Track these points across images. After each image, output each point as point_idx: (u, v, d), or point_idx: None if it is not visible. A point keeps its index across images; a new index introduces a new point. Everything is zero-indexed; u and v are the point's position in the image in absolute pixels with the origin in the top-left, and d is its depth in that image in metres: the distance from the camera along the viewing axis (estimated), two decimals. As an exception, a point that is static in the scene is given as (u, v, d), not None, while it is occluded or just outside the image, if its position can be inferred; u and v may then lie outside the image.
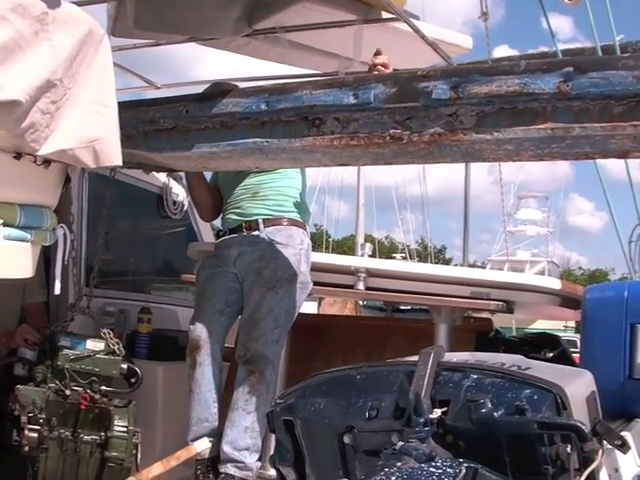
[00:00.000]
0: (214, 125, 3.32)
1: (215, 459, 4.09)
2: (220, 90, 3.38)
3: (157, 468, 3.86)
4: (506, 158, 2.94)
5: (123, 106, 3.52)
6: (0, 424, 3.85)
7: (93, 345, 3.95)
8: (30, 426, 3.68)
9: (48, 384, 3.81)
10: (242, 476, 3.96)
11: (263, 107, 3.15)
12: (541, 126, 2.61)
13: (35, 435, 3.68)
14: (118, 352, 4.01)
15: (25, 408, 3.70)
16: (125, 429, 3.86)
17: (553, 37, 5.78)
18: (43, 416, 3.72)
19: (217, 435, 4.10)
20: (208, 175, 4.62)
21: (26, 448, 3.66)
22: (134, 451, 3.88)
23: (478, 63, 3.85)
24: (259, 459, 4.07)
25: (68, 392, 3.80)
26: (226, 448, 3.99)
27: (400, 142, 2.88)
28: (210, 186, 4.56)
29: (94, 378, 3.89)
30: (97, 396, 3.86)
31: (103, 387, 3.91)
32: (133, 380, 4.11)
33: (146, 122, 3.49)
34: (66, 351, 3.87)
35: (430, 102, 2.77)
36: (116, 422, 3.85)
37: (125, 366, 4.03)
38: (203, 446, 4.02)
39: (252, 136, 3.23)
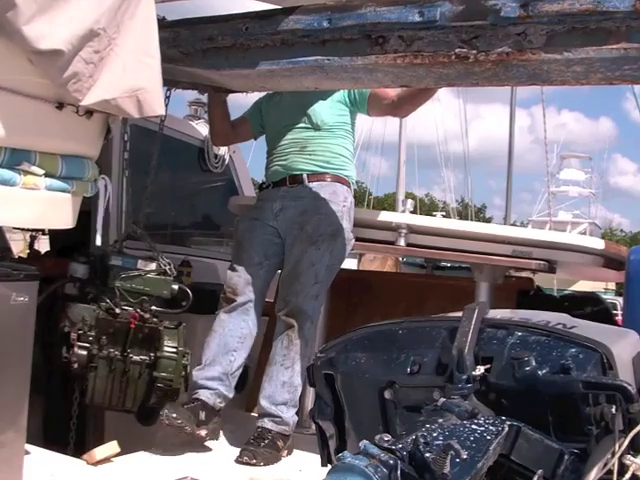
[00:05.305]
0: (274, 43, 3.26)
1: (218, 411, 4.03)
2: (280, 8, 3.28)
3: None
4: (574, 81, 2.85)
5: (181, 24, 3.44)
6: (52, 344, 3.88)
7: (144, 265, 3.96)
8: (80, 343, 3.70)
9: (98, 302, 3.82)
10: (279, 430, 3.97)
11: (325, 24, 3.09)
12: (614, 46, 2.54)
13: (84, 353, 3.71)
14: (170, 273, 4.01)
15: (75, 325, 3.72)
16: (175, 350, 3.85)
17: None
18: (93, 334, 3.73)
19: (227, 387, 4.05)
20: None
21: (75, 365, 3.68)
22: (183, 372, 3.87)
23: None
24: (296, 414, 4.08)
25: (118, 310, 3.81)
26: (263, 402, 4.01)
27: (466, 62, 2.83)
28: (227, 111, 4.51)
29: (145, 297, 3.90)
30: (147, 315, 3.86)
31: (154, 307, 3.91)
32: (184, 302, 4.09)
33: (204, 39, 3.44)
34: (117, 270, 3.88)
35: (498, 20, 2.70)
36: (166, 343, 3.85)
37: (176, 287, 4.03)
38: (104, 454, 3.54)
39: (313, 54, 3.17)
